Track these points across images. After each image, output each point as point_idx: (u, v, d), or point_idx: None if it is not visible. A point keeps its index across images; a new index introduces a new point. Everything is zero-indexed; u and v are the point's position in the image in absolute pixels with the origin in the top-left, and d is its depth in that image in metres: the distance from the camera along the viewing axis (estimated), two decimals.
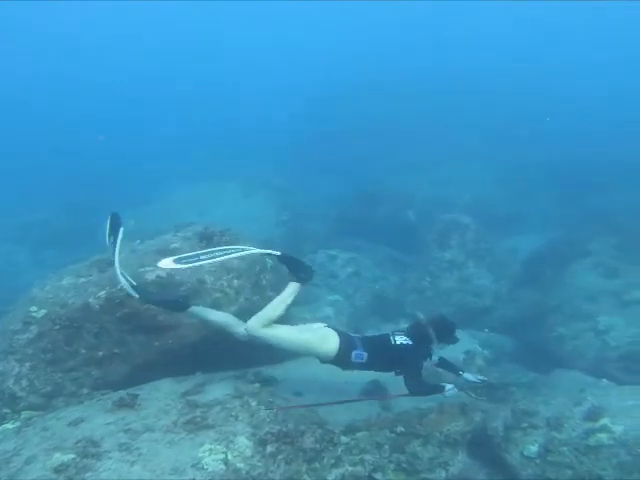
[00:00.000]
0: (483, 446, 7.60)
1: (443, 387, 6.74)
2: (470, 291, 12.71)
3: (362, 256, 14.79)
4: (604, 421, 6.89)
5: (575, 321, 10.40)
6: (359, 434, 6.11)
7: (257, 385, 6.65)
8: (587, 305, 10.64)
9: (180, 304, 6.53)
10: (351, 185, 20.01)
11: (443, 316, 7.12)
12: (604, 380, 8.49)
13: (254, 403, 5.83)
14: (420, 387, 6.53)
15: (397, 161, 21.99)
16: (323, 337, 6.46)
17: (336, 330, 6.64)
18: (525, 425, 7.27)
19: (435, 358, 6.92)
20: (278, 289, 8.37)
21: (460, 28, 43.02)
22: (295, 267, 6.60)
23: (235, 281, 7.78)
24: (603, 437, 6.74)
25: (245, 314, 6.84)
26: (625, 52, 39.10)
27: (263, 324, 6.25)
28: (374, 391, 7.13)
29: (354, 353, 6.41)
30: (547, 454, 6.96)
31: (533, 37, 42.56)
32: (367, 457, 6.02)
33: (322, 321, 7.07)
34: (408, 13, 45.41)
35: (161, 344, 7.16)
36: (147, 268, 7.27)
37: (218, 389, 6.21)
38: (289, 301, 6.48)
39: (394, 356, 6.58)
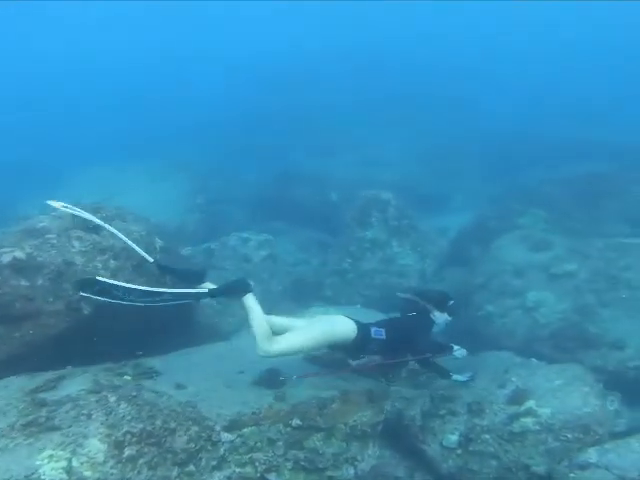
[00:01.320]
0: (401, 437, 6.87)
1: (452, 347, 6.48)
2: (394, 272, 11.96)
3: (283, 239, 14.07)
4: (529, 404, 6.27)
5: (503, 298, 9.76)
6: (246, 430, 5.28)
7: (127, 378, 5.68)
8: (515, 280, 10.01)
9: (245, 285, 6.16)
10: (273, 168, 19.15)
11: (426, 288, 7.82)
12: (533, 360, 7.81)
13: (113, 399, 4.88)
14: (432, 345, 6.40)
15: (322, 143, 21.39)
16: (335, 322, 6.13)
17: (344, 315, 6.32)
18: (444, 412, 6.56)
19: (442, 324, 6.74)
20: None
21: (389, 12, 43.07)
22: (181, 275, 6.43)
23: (112, 262, 6.79)
24: (528, 422, 6.10)
25: None
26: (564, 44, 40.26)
27: (267, 342, 5.83)
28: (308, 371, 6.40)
29: (373, 329, 6.12)
30: (468, 443, 6.31)
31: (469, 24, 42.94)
32: (258, 456, 5.26)
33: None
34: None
35: (22, 335, 6.12)
36: (5, 249, 6.20)
37: (75, 384, 5.23)
38: (257, 311, 5.99)
39: (408, 326, 6.42)
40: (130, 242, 6.31)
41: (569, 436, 6.00)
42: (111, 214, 7.35)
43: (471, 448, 6.30)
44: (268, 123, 24.19)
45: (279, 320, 6.17)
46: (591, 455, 5.73)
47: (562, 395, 6.37)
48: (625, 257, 9.58)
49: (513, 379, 6.78)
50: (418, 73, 28.51)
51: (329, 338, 6.01)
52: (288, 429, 5.49)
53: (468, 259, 11.96)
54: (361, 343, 6.06)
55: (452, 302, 6.86)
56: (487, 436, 6.28)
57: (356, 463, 5.75)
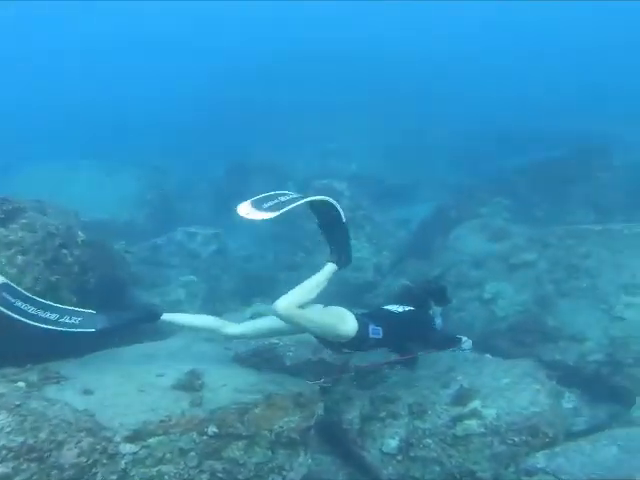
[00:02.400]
0: (342, 442, 6.37)
1: (460, 339, 6.39)
2: (349, 266, 11.42)
3: (239, 234, 13.54)
4: (474, 405, 5.80)
5: (460, 290, 9.34)
6: (153, 440, 4.72)
7: (20, 384, 5.11)
8: (474, 271, 9.62)
9: (152, 315, 6.01)
10: (230, 162, 18.66)
11: (431, 280, 7.28)
12: (487, 356, 7.33)
13: None
14: (443, 338, 6.36)
15: (284, 136, 20.97)
16: (343, 317, 5.81)
17: (346, 308, 6.01)
18: (384, 414, 6.04)
19: (439, 322, 6.51)
20: (94, 266, 7.04)
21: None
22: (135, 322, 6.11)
23: (19, 257, 6.22)
24: (473, 424, 5.62)
25: (39, 296, 5.78)
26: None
27: (297, 305, 5.62)
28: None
29: (371, 328, 5.81)
30: (409, 448, 5.79)
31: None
32: (167, 468, 4.72)
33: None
34: None
35: None
36: None
37: None
38: (323, 286, 5.86)
39: (407, 323, 6.15)
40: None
41: (516, 439, 5.54)
42: (22, 206, 6.73)
43: (412, 454, 5.82)
44: (230, 118, 23.99)
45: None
46: (539, 460, 5.27)
47: (510, 394, 5.91)
48: (585, 244, 9.18)
49: (459, 377, 6.31)
50: (387, 66, 28.29)
51: (331, 331, 5.77)
52: (203, 438, 4.96)
53: (429, 250, 11.51)
54: (356, 342, 5.83)
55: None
56: (429, 440, 5.80)
57: (284, 473, 5.25)
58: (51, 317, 5.63)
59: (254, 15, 46.17)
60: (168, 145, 22.74)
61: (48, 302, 5.78)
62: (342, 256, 6.09)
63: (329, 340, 5.91)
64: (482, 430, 5.63)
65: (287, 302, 5.58)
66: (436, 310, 6.55)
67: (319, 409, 5.83)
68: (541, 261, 9.23)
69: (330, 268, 5.96)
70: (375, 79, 25.89)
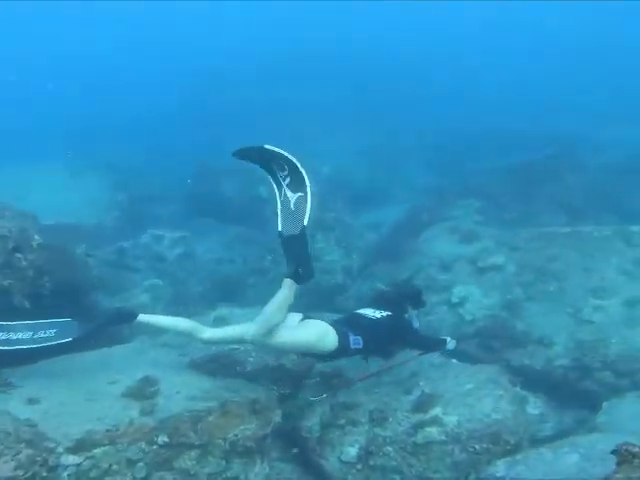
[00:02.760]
0: (302, 450, 6.21)
1: (445, 340, 6.47)
2: (318, 268, 11.17)
3: (208, 237, 13.39)
4: (435, 411, 5.68)
5: (428, 293, 9.08)
6: (98, 450, 4.54)
7: None
8: (442, 275, 9.48)
9: (126, 315, 5.82)
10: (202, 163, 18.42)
11: (407, 283, 7.49)
12: (454, 360, 7.22)
13: None
14: (427, 341, 6.44)
15: (260, 138, 20.57)
16: (321, 333, 5.70)
17: (324, 320, 5.96)
18: (343, 422, 5.88)
19: (417, 325, 6.52)
20: (51, 270, 6.98)
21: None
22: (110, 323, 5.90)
23: None
24: (433, 431, 5.49)
25: None
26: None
27: (268, 330, 5.50)
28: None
29: (351, 339, 5.78)
30: (369, 457, 5.62)
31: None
32: None
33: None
34: None
35: None
36: None
37: None
38: (290, 301, 5.57)
39: (387, 329, 6.07)
40: None
41: (477, 447, 5.41)
42: None
43: (372, 462, 5.68)
44: (205, 118, 23.76)
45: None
46: (499, 468, 5.13)
47: (472, 400, 5.78)
48: (553, 247, 9.11)
49: (421, 383, 6.19)
50: (364, 67, 28.18)
51: (314, 347, 5.70)
52: (153, 447, 4.81)
53: (399, 253, 11.36)
54: (338, 354, 5.81)
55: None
56: (389, 448, 5.66)
57: None
58: (24, 337, 5.45)
59: (231, 14, 46.08)
60: (142, 146, 22.43)
61: (16, 323, 5.56)
62: (301, 270, 5.57)
63: (314, 355, 5.88)
64: (443, 438, 5.50)
65: (258, 332, 5.52)
66: (412, 313, 6.52)
67: (276, 416, 5.69)
68: (509, 264, 9.13)
69: (289, 284, 5.54)
70: (352, 80, 25.78)
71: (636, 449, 3.06)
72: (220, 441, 5.10)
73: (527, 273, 8.89)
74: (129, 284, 10.65)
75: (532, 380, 7.83)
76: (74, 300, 7.91)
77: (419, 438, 5.54)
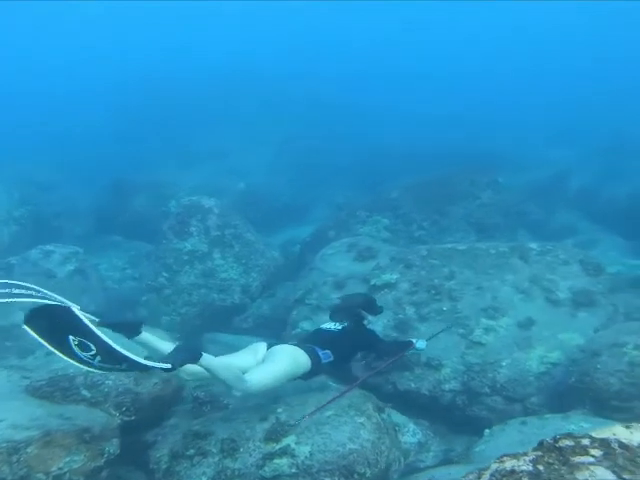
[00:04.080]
0: None
1: (411, 342, 6.71)
2: (215, 286, 10.82)
3: (112, 254, 12.79)
4: (287, 441, 5.11)
5: (320, 313, 8.75)
6: None
7: None
8: (334, 293, 9.02)
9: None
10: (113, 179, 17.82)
11: (358, 293, 7.74)
12: (332, 384, 6.75)
13: None
14: (391, 346, 6.67)
15: (184, 153, 20.34)
16: (292, 359, 5.62)
17: (287, 343, 6.03)
18: (193, 452, 5.32)
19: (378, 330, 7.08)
20: None
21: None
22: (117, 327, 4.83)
23: None
24: (283, 464, 4.92)
25: None
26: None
27: (242, 383, 5.09)
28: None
29: (321, 354, 5.87)
30: None
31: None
32: None
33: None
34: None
35: None
36: None
37: None
38: (220, 362, 5.02)
39: (348, 339, 6.31)
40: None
41: None
42: None
43: None
44: (125, 133, 23.37)
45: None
46: None
47: (329, 429, 5.29)
48: (449, 265, 8.77)
49: (279, 409, 5.66)
50: (289, 86, 27.89)
51: (294, 373, 5.61)
52: None
53: (300, 272, 10.96)
54: (314, 372, 5.84)
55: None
56: None
57: None
58: None
59: (161, 27, 45.71)
60: (57, 159, 21.66)
61: None
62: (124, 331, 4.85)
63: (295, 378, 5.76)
64: (293, 470, 5.00)
65: (237, 390, 5.12)
66: (372, 320, 7.02)
67: (112, 446, 5.13)
68: (403, 282, 8.72)
69: (207, 360, 4.79)
70: (279, 96, 25.45)
71: None
72: (41, 475, 4.54)
73: (421, 292, 8.49)
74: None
75: (419, 405, 7.44)
76: None
77: (267, 471, 5.02)
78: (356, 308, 6.76)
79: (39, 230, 15.10)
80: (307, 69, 30.57)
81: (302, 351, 5.73)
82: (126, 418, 5.70)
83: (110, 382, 5.95)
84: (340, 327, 6.41)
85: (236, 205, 14.58)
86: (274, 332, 9.67)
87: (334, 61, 34.75)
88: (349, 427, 5.32)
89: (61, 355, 4.25)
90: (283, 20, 44.44)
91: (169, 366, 4.33)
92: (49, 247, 11.45)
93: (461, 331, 7.87)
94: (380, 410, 5.85)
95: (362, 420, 5.43)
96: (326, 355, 5.89)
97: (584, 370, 6.75)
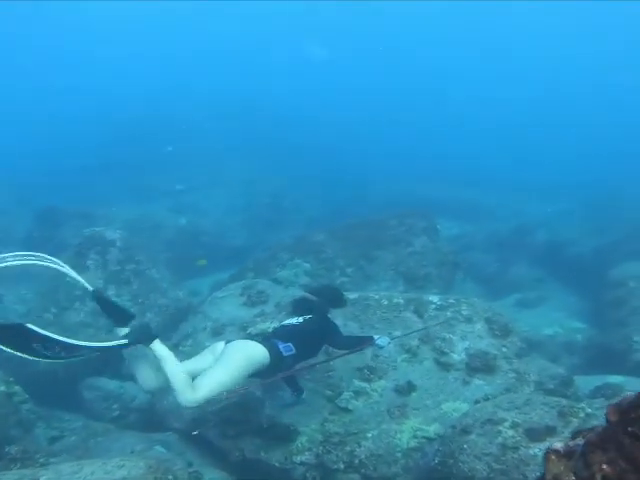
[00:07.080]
0: None
1: (372, 337, 6.44)
2: (105, 327, 9.81)
3: (23, 285, 11.91)
4: None
5: None
6: None
7: None
8: (209, 341, 7.97)
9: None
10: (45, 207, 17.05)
11: (325, 286, 8.04)
12: (158, 448, 5.72)
13: None
14: (350, 341, 6.43)
15: (139, 187, 19.67)
16: (247, 352, 5.62)
17: (246, 339, 6.23)
18: None
19: (339, 323, 6.80)
20: None
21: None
22: (112, 311, 5.64)
23: None
24: None
25: None
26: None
27: (190, 391, 5.17)
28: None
29: (281, 347, 5.83)
30: None
31: None
32: None
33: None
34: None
35: None
36: None
37: None
38: (172, 359, 5.32)
39: (312, 332, 6.22)
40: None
41: None
42: None
43: None
44: (73, 162, 22.82)
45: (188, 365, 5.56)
46: None
47: None
48: (335, 315, 7.69)
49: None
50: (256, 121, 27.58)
51: (249, 369, 5.53)
52: None
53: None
54: (276, 365, 5.72)
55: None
56: None
57: None
58: None
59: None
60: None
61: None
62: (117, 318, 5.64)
63: (255, 374, 5.69)
64: None
65: (184, 399, 5.18)
66: (335, 313, 6.85)
67: None
68: None
69: (156, 345, 5.35)
70: (244, 131, 25.04)
71: None
72: None
73: None
74: None
75: (272, 478, 6.37)
76: None
77: None
78: (321, 300, 6.61)
79: None
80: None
81: (259, 345, 5.71)
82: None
83: None
84: (302, 320, 6.31)
85: (171, 241, 13.79)
86: None
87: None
88: None
89: (33, 358, 4.89)
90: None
91: (125, 341, 5.19)
92: None
93: (328, 393, 6.80)
94: None
95: None
96: (287, 348, 5.83)
97: (449, 451, 5.53)
